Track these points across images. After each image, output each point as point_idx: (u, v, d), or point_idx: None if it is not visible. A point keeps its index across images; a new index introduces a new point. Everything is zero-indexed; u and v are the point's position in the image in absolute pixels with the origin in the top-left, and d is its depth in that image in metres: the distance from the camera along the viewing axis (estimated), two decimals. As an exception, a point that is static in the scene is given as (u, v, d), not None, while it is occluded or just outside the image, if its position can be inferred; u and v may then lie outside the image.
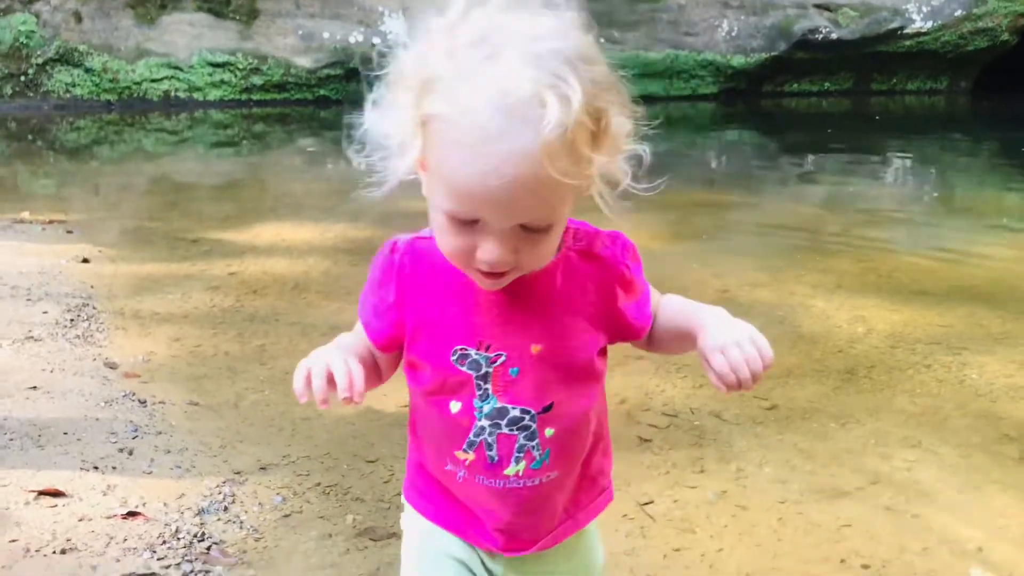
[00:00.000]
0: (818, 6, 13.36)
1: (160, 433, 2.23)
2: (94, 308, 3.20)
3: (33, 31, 11.07)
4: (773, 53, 13.01)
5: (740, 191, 6.79)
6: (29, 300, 3.20)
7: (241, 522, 1.85)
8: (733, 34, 13.32)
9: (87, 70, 11.53)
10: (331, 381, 0.92)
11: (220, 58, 11.68)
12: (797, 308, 3.53)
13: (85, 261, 3.87)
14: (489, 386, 0.99)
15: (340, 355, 0.95)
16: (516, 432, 1.01)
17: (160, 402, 2.43)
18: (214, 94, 11.78)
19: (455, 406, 1.00)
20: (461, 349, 0.99)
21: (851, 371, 2.89)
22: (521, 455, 1.02)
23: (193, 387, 2.56)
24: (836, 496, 2.09)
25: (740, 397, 2.63)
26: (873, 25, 13.03)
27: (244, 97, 11.95)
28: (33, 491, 1.86)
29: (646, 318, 1.06)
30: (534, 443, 1.02)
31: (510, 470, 1.02)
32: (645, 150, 0.97)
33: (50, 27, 11.19)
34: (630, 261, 1.04)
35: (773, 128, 11.29)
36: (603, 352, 1.06)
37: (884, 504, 2.06)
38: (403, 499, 1.14)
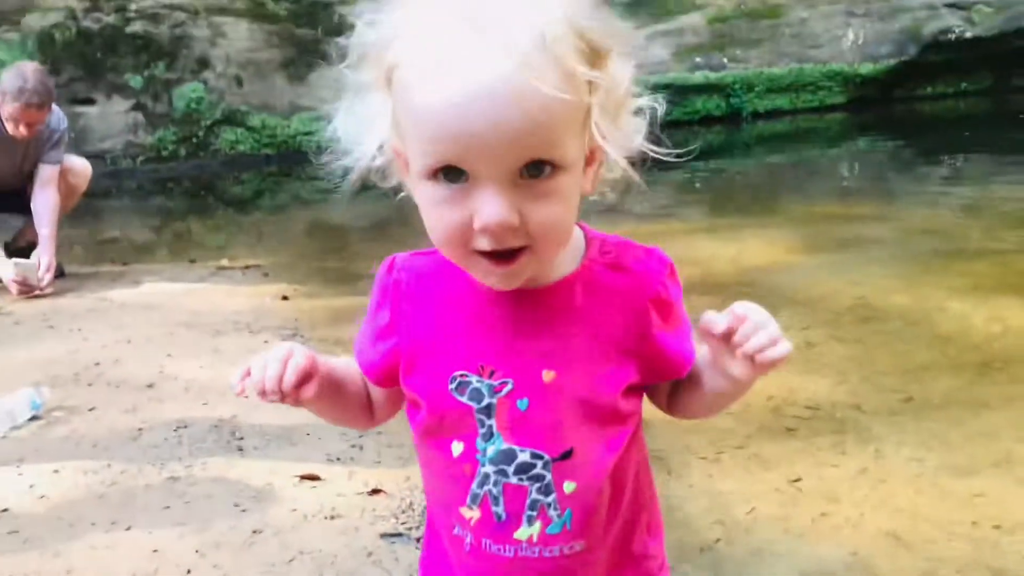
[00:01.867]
0: (950, 5, 13.08)
1: (380, 433, 2.71)
2: (303, 336, 3.77)
3: (202, 97, 12.26)
4: (903, 58, 12.82)
5: (875, 200, 6.87)
6: (251, 332, 3.81)
7: (459, 497, 2.29)
8: (860, 42, 13.22)
9: (248, 128, 12.64)
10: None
11: (364, 108, 12.62)
12: (933, 311, 3.71)
13: (285, 298, 4.50)
14: (493, 422, 0.84)
15: (286, 349, 0.87)
16: (527, 482, 0.84)
17: (374, 409, 2.93)
18: (360, 142, 12.72)
19: (457, 448, 0.85)
20: (460, 375, 0.84)
21: (986, 365, 3.09)
22: (534, 513, 0.84)
23: (398, 397, 3.06)
24: (970, 472, 2.33)
25: (877, 392, 2.89)
26: (1012, 20, 12.64)
27: (387, 143, 12.84)
28: (296, 475, 2.37)
29: (688, 352, 0.88)
30: (550, 499, 0.84)
31: (522, 533, 0.84)
32: (659, 101, 0.82)
33: (216, 92, 12.38)
34: (668, 280, 0.88)
35: (907, 134, 11.11)
36: (634, 392, 0.88)
37: (1018, 478, 2.29)
38: None
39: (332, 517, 2.15)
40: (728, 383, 0.84)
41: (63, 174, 4.82)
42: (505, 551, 0.85)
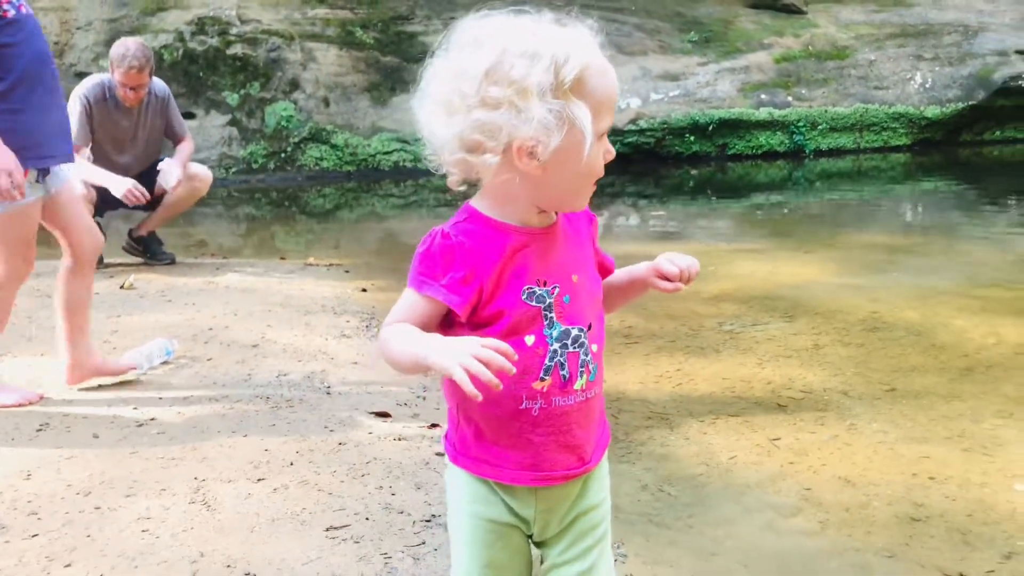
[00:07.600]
0: (1021, 52, 13.25)
1: (439, 390, 3.30)
2: (378, 320, 4.40)
3: (292, 115, 13.15)
4: (971, 102, 12.98)
5: (920, 235, 7.18)
6: (335, 313, 4.46)
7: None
8: (927, 85, 13.44)
9: (332, 146, 13.44)
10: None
11: (441, 131, 13.35)
12: (937, 326, 4.12)
13: (363, 291, 5.14)
14: (553, 314, 1.22)
15: (474, 344, 1.08)
16: (578, 349, 1.23)
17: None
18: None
19: (529, 339, 1.21)
20: (528, 288, 1.21)
21: (970, 369, 3.51)
22: (583, 369, 1.24)
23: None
24: (923, 442, 2.80)
25: (865, 383, 3.35)
26: (1084, 68, 12.74)
27: (461, 164, 13.52)
28: (372, 412, 2.97)
29: (612, 261, 1.38)
30: (588, 358, 1.25)
31: (577, 384, 1.24)
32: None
33: (305, 111, 13.26)
34: (592, 215, 1.36)
35: (972, 177, 11.25)
36: None
37: (963, 448, 2.75)
38: (454, 468, 1.30)
39: (399, 439, 2.75)
40: (639, 293, 1.39)
41: (189, 178, 5.47)
42: (568, 400, 1.23)
